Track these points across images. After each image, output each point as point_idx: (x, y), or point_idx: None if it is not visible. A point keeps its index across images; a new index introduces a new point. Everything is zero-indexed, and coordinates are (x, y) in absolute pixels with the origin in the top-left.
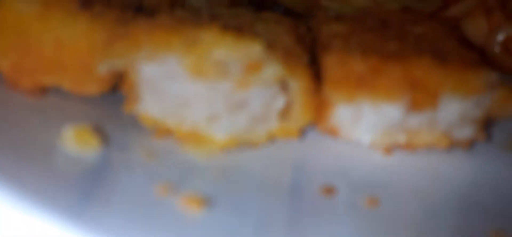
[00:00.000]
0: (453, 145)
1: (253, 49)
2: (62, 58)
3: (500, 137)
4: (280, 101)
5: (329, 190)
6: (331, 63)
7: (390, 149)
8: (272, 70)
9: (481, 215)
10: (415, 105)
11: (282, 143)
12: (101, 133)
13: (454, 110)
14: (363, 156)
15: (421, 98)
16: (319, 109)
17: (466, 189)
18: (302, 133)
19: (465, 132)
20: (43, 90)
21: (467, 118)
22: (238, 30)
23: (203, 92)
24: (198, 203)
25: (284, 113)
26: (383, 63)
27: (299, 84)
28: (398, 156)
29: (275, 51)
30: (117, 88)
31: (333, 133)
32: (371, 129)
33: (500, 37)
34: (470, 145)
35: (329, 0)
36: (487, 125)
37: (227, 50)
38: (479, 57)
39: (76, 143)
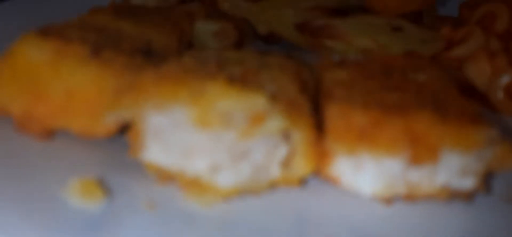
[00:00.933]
0: (453, 197)
1: (257, 101)
2: (72, 105)
3: (500, 189)
4: (282, 151)
5: None
6: (333, 115)
7: (390, 200)
8: (276, 122)
9: None
10: (415, 160)
11: (284, 191)
12: (105, 183)
13: (454, 164)
14: (363, 205)
15: (421, 153)
16: (321, 159)
17: None
18: (304, 181)
19: (466, 184)
20: (51, 134)
21: (467, 171)
22: (243, 81)
23: (207, 142)
24: None
25: (286, 162)
26: (384, 117)
27: (301, 135)
28: (398, 206)
29: (278, 103)
30: (123, 132)
31: (334, 182)
32: (372, 181)
33: (503, 81)
34: (470, 196)
35: (333, 41)
36: (487, 176)
37: (232, 102)
38: (479, 110)
39: (81, 195)
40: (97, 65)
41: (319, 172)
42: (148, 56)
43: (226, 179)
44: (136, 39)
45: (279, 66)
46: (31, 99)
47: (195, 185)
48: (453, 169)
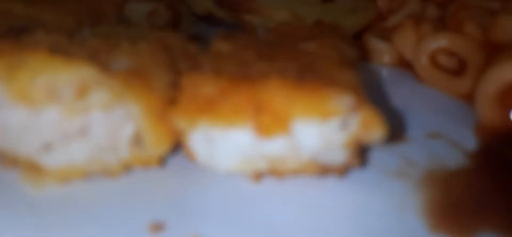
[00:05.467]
0: (325, 172)
1: (82, 71)
2: None
3: (389, 163)
4: (128, 129)
5: (157, 227)
6: (184, 86)
7: (258, 176)
8: (101, 94)
9: None
10: (262, 130)
11: (142, 172)
12: None
13: (313, 135)
14: (231, 183)
15: (267, 122)
16: (177, 135)
17: (336, 219)
18: (163, 161)
19: (336, 157)
20: None
21: (333, 143)
22: (67, 53)
23: (32, 120)
24: None
25: (137, 141)
26: (231, 86)
27: (142, 110)
28: (268, 183)
29: (112, 75)
30: None
31: (194, 159)
32: (226, 156)
33: (428, 48)
34: (344, 171)
35: (251, 15)
36: (367, 150)
37: (54, 74)
38: (355, 79)
39: None
40: None
41: (182, 150)
42: (19, 34)
43: (57, 159)
44: (20, 18)
45: (149, 41)
46: None
47: (31, 167)
48: (314, 140)
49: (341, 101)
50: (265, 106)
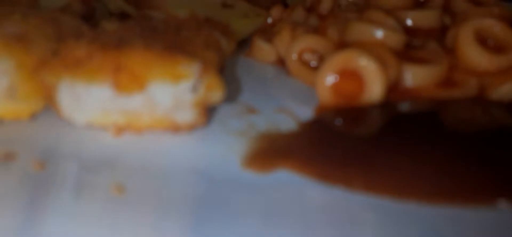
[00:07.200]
0: (176, 128)
1: None
2: None
3: (236, 126)
4: (3, 81)
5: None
6: (61, 50)
7: (119, 131)
8: None
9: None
10: (120, 86)
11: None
12: None
13: (166, 94)
14: (93, 137)
15: (125, 80)
16: (47, 90)
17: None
18: (34, 114)
19: (185, 116)
20: None
21: (182, 103)
22: None
23: None
24: None
25: (12, 93)
26: (97, 50)
27: (16, 64)
28: (128, 137)
29: None
30: None
31: (60, 114)
32: (88, 109)
33: (298, 46)
34: (191, 128)
35: (154, 10)
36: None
37: None
38: (211, 56)
39: None
40: None
41: (51, 105)
42: None
43: None
44: None
45: (40, 16)
46: None
47: None
48: (166, 99)
49: (190, 67)
50: (124, 67)
